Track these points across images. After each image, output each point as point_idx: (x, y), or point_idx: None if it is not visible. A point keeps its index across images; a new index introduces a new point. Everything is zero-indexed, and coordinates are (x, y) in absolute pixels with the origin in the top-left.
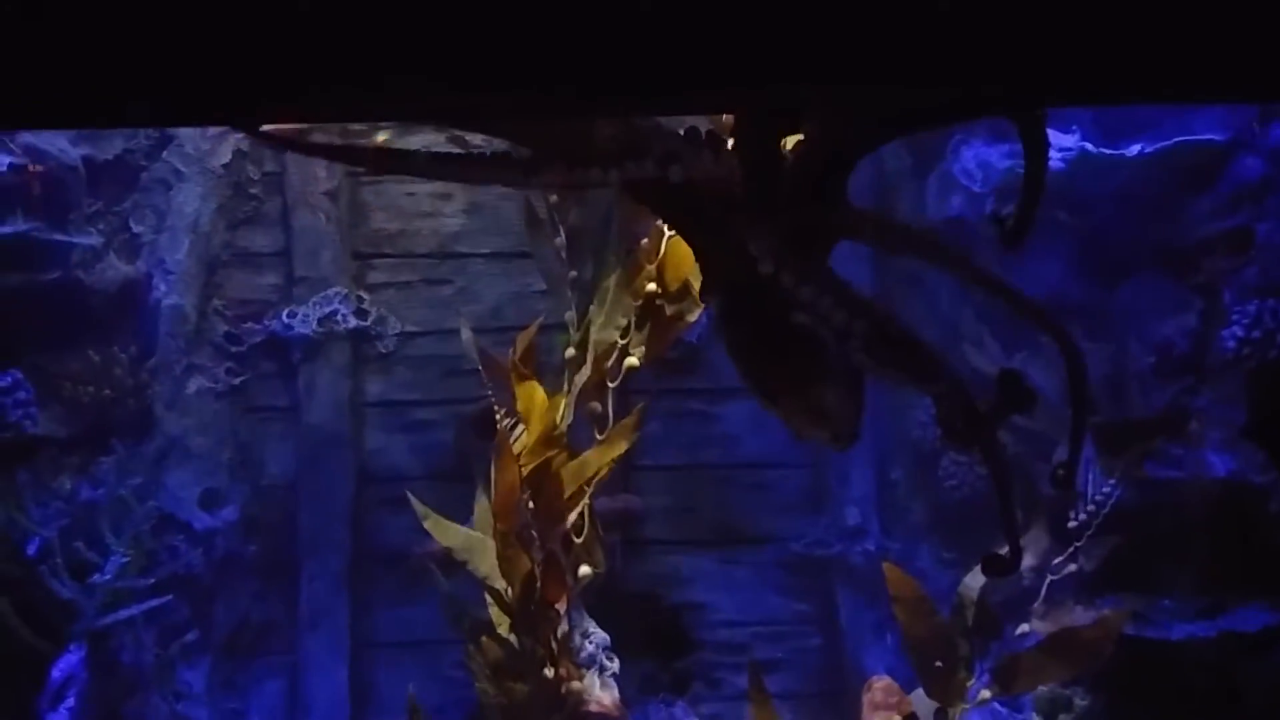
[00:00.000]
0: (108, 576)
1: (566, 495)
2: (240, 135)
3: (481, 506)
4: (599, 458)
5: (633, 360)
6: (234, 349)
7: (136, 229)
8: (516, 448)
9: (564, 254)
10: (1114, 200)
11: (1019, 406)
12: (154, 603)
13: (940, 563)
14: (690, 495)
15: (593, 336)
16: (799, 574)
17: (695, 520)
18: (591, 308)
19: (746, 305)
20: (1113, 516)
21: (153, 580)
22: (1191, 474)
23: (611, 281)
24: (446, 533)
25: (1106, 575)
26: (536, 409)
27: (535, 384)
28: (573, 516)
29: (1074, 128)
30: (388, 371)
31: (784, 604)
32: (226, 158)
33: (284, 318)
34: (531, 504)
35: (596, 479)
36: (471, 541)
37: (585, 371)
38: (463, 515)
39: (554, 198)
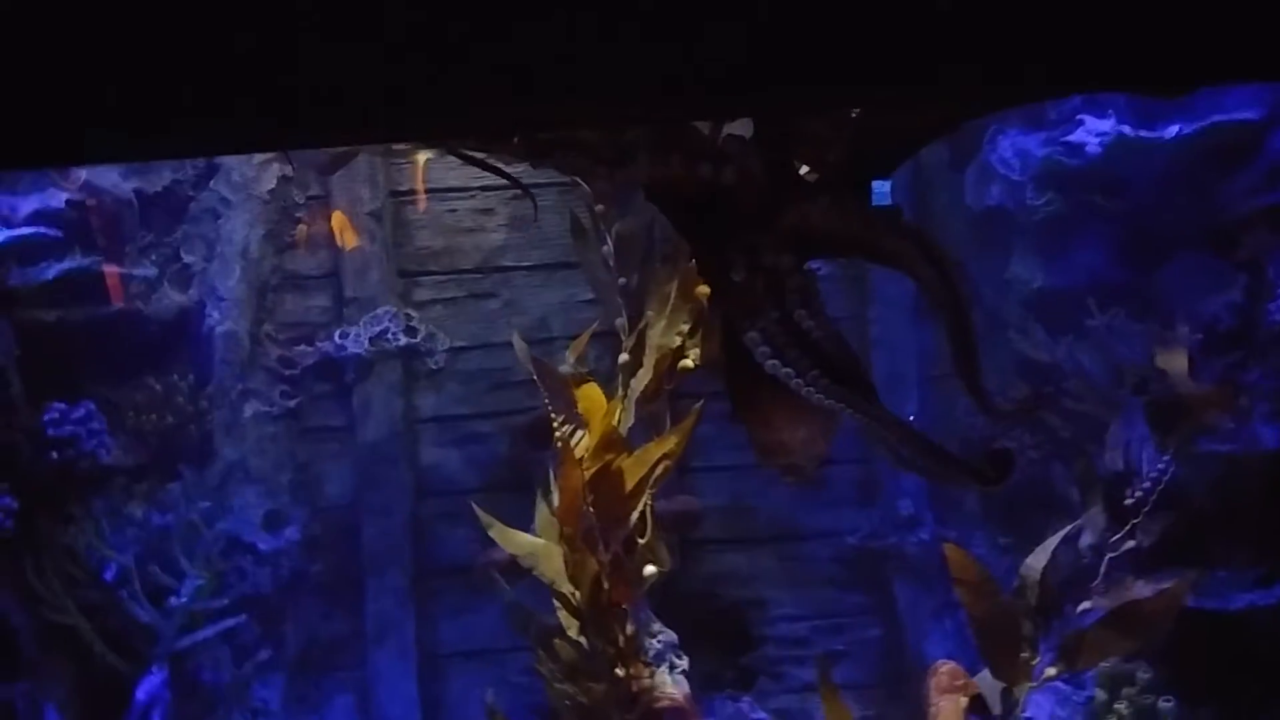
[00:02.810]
0: (184, 599)
1: (628, 496)
2: (282, 161)
3: (543, 514)
4: (656, 451)
5: (688, 362)
6: (287, 372)
7: (188, 258)
8: (577, 451)
9: (611, 262)
10: (1152, 182)
11: (992, 480)
12: (228, 623)
13: (996, 549)
14: (744, 494)
15: (652, 341)
16: (855, 567)
17: (750, 518)
18: (648, 313)
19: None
20: (1167, 492)
21: (225, 601)
22: (1243, 448)
23: (672, 287)
24: (512, 541)
25: (1163, 550)
26: (598, 411)
27: (595, 387)
28: (635, 517)
29: (1109, 112)
30: (439, 387)
31: (842, 596)
32: (271, 184)
33: (335, 339)
34: (594, 507)
35: (657, 478)
36: (537, 548)
37: (642, 376)
38: (521, 525)
39: (600, 207)
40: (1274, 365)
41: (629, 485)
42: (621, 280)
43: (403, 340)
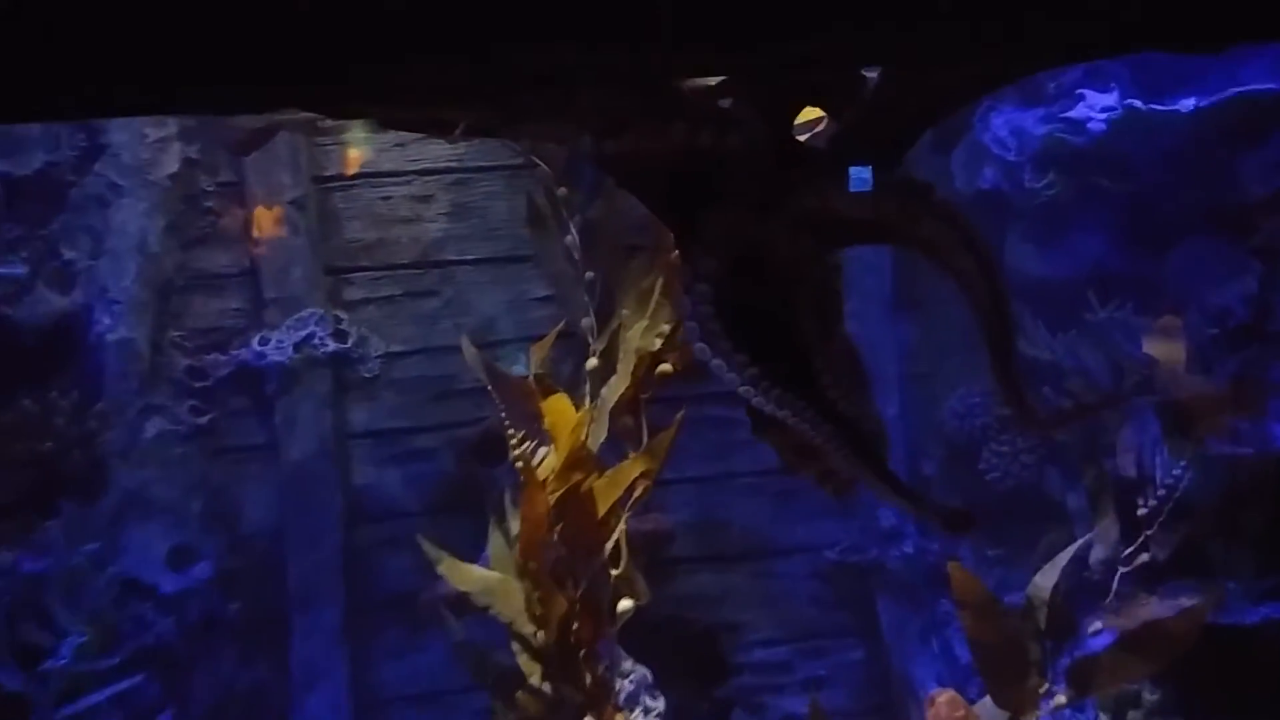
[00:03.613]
0: (63, 660)
1: (601, 522)
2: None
3: (498, 543)
4: (632, 469)
5: (667, 367)
6: (198, 384)
7: (68, 254)
8: (541, 472)
9: (576, 255)
10: (1162, 161)
11: (954, 530)
12: (122, 685)
13: (985, 561)
14: (716, 508)
15: (628, 344)
16: (835, 583)
17: (723, 534)
18: (623, 312)
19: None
20: (1179, 500)
21: (117, 659)
22: (1255, 449)
23: (652, 282)
24: (464, 576)
25: (1175, 562)
26: (566, 426)
27: (564, 397)
28: (609, 546)
29: (1112, 85)
30: (374, 398)
31: (822, 616)
32: (174, 167)
33: (254, 345)
34: (562, 537)
35: (634, 500)
36: (493, 583)
37: (616, 383)
38: (471, 551)
39: (563, 190)
40: None
41: (602, 510)
42: (589, 274)
43: (331, 346)
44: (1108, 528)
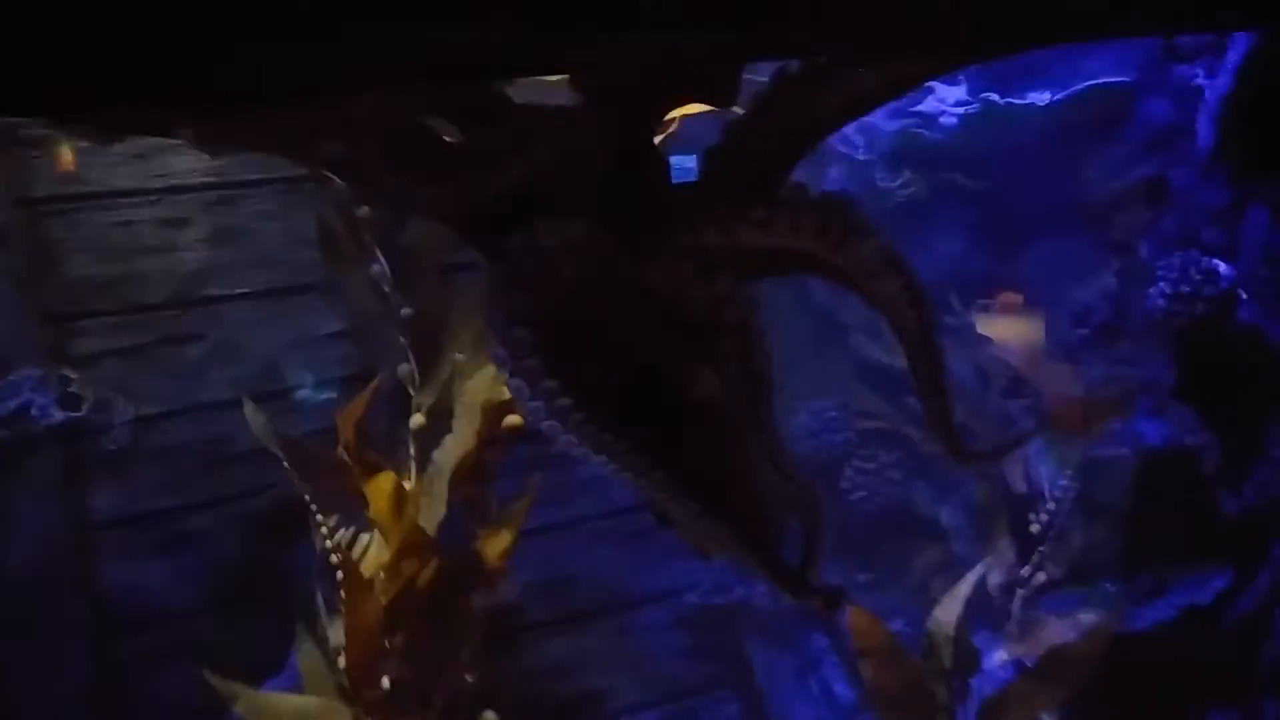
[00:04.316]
0: None
1: (453, 624)
2: None
3: (310, 655)
4: (490, 550)
5: (515, 420)
6: None
7: None
8: (366, 567)
9: (387, 285)
10: (1014, 156)
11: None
12: None
13: (856, 587)
14: (561, 561)
15: (470, 396)
16: (701, 630)
17: (572, 591)
18: (457, 357)
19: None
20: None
21: None
22: (1129, 447)
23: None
24: (268, 710)
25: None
26: (395, 511)
27: (391, 476)
28: (467, 653)
29: (959, 78)
30: (124, 475)
31: (691, 670)
32: None
33: None
34: (404, 653)
35: (489, 589)
36: (312, 713)
37: (454, 445)
38: (270, 654)
39: (364, 209)
40: (1150, 354)
41: (449, 608)
42: (405, 311)
43: (59, 415)
44: (1004, 549)
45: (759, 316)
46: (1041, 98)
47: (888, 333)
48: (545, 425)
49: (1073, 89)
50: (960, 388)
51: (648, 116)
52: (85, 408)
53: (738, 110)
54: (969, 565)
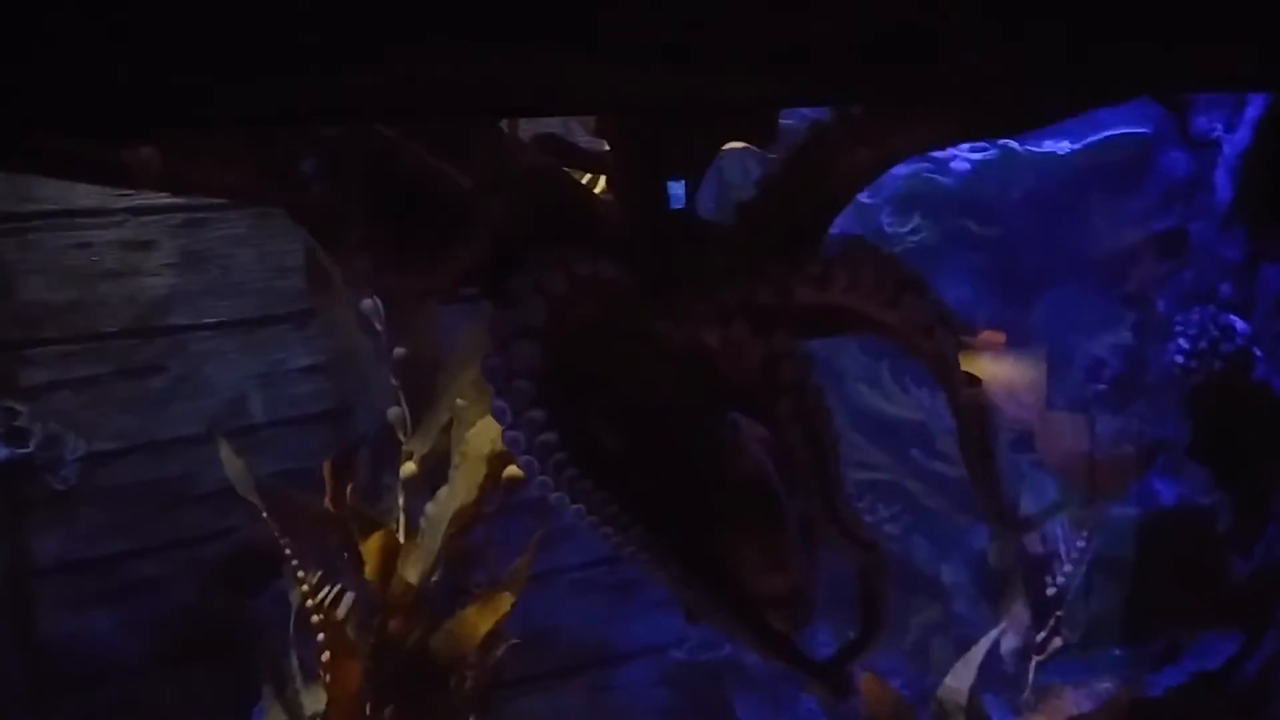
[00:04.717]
0: None
1: (445, 694)
2: None
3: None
4: (484, 616)
5: (515, 470)
6: None
7: None
8: (351, 631)
9: (379, 321)
10: (1029, 204)
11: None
12: None
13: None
14: (541, 613)
15: (472, 445)
16: (686, 688)
17: (552, 644)
18: (459, 403)
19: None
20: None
21: None
22: (1142, 507)
23: None
24: None
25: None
26: (388, 570)
27: (386, 532)
28: None
29: None
30: (70, 516)
31: None
32: None
33: None
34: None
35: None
36: None
37: (449, 498)
38: (230, 712)
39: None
40: (1166, 411)
41: (444, 680)
42: (398, 350)
43: (2, 451)
44: (1018, 612)
45: (815, 374)
46: (1060, 146)
47: (887, 381)
48: (538, 481)
49: (1091, 139)
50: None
51: (675, 160)
52: (32, 443)
53: (772, 155)
54: (970, 625)
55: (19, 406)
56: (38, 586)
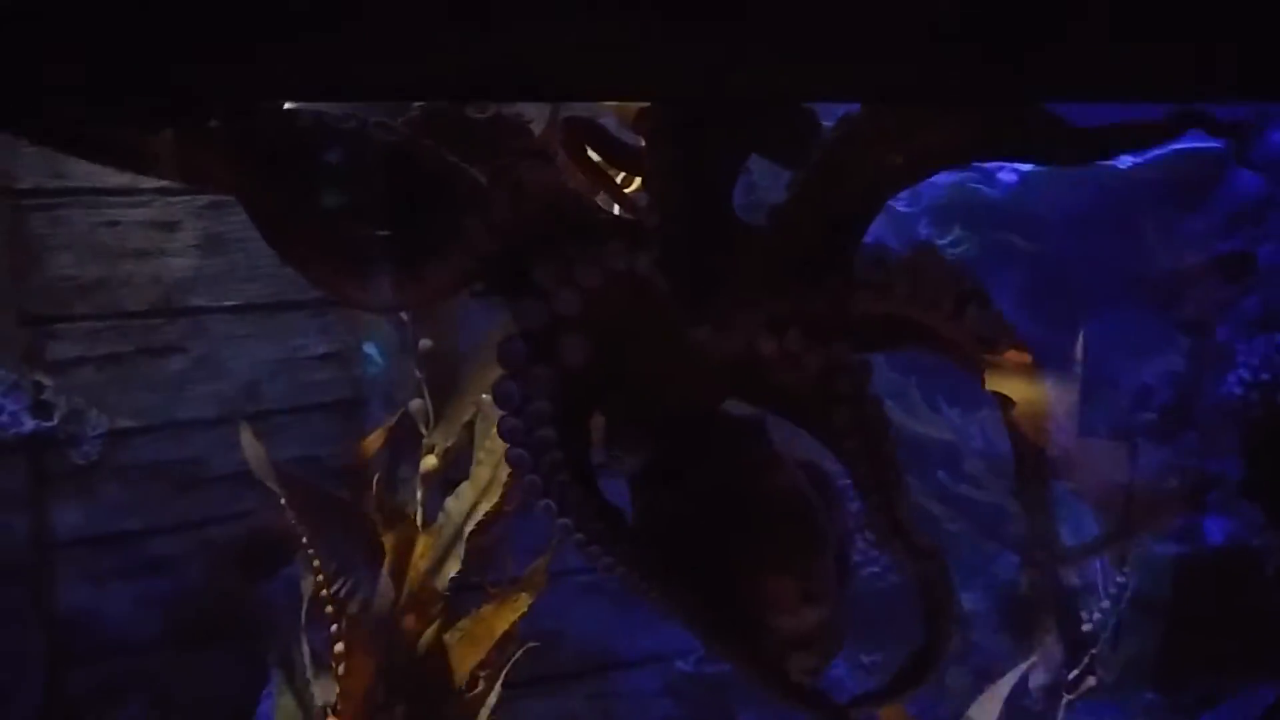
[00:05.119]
0: None
1: (459, 694)
2: None
3: (288, 713)
4: (504, 615)
5: None
6: None
7: None
8: (367, 624)
9: (406, 313)
10: (1080, 220)
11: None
12: None
13: (860, 669)
14: (546, 615)
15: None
16: (691, 700)
17: (556, 648)
18: (484, 397)
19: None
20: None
21: None
22: (1188, 545)
23: None
24: None
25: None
26: (406, 565)
27: (409, 525)
28: None
29: None
30: (91, 492)
31: None
32: None
33: None
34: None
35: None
36: None
37: (470, 491)
38: (236, 694)
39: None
40: (1219, 445)
41: (459, 677)
42: (423, 343)
43: (29, 424)
44: (1051, 647)
45: (872, 385)
46: (1121, 159)
47: (916, 399)
48: (541, 504)
49: (1157, 152)
50: (999, 465)
51: (714, 158)
52: (57, 417)
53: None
54: (989, 655)
55: (45, 380)
56: (57, 559)
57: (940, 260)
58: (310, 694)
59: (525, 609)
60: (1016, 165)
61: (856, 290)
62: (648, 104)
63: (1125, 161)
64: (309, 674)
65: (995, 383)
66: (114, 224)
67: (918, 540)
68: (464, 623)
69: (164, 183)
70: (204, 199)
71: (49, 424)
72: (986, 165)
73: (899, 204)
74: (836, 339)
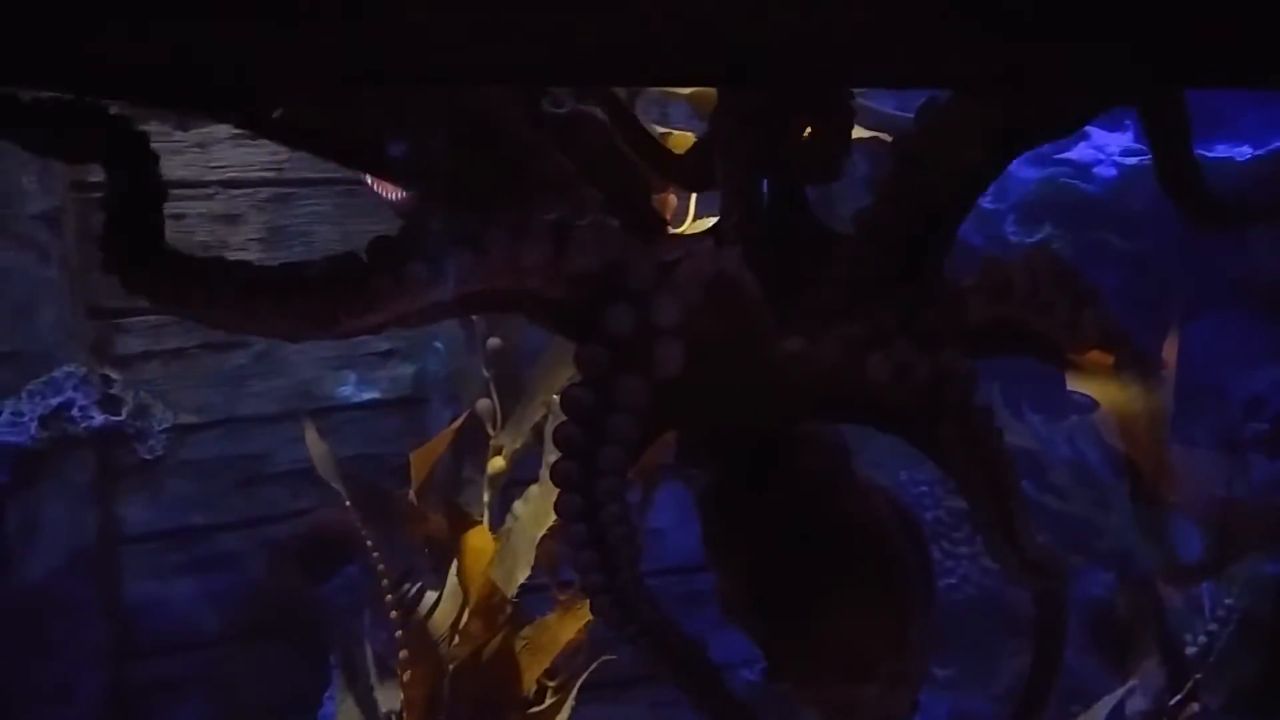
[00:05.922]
0: None
1: (526, 704)
2: None
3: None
4: (569, 624)
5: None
6: None
7: None
8: (433, 630)
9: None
10: (1179, 219)
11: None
12: None
13: (933, 684)
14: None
15: None
16: (756, 712)
17: (619, 652)
18: (554, 399)
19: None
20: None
21: None
22: None
23: None
24: None
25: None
26: (481, 568)
27: (481, 530)
28: None
29: (1126, 123)
30: (156, 487)
31: None
32: None
33: None
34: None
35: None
36: None
37: (543, 496)
38: (296, 692)
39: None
40: None
41: (527, 684)
42: (492, 341)
43: (98, 418)
44: (1152, 670)
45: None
46: (1238, 152)
47: (999, 405)
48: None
49: (1273, 145)
50: (1090, 476)
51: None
52: (124, 412)
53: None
54: (1072, 675)
55: (113, 374)
56: (123, 554)
57: (1057, 261)
58: (374, 699)
59: (590, 617)
60: (1117, 159)
61: (970, 294)
62: (724, 93)
63: (1243, 153)
64: (373, 679)
65: (1104, 392)
66: (180, 217)
67: (1038, 557)
68: (528, 630)
69: (229, 175)
70: (267, 192)
71: (117, 418)
72: (1083, 159)
73: (984, 200)
74: (948, 346)
